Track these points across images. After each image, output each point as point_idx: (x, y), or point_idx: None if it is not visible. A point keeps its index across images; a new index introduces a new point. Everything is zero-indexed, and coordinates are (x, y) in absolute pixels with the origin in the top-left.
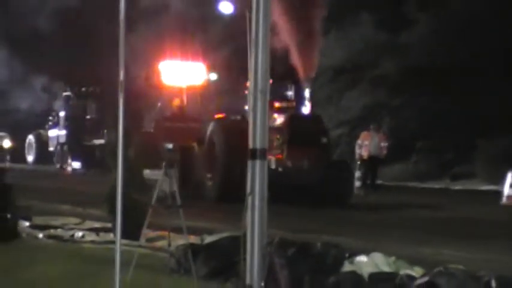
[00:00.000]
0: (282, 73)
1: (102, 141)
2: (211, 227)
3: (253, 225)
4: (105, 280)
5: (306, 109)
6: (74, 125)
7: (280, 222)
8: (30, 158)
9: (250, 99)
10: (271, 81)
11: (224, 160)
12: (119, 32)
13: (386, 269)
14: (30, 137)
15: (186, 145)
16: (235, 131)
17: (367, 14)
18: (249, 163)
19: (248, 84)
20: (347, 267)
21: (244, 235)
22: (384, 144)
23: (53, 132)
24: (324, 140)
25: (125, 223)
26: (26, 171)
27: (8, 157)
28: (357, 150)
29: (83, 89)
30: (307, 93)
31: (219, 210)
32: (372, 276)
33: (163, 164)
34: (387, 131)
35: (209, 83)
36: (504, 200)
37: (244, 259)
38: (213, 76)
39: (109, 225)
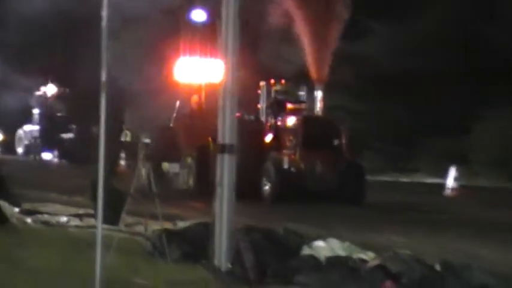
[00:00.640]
0: (295, 75)
1: (70, 135)
2: (185, 214)
3: (222, 213)
4: (87, 261)
5: (318, 111)
6: (46, 121)
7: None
8: (20, 150)
9: (220, 100)
10: (283, 81)
11: (238, 159)
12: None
13: (341, 253)
14: (20, 131)
15: (202, 143)
16: (249, 130)
17: None
18: (218, 157)
19: (261, 83)
20: (306, 251)
21: (214, 222)
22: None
23: (28, 128)
24: (337, 142)
25: (106, 210)
26: (16, 162)
27: None
28: None
29: (55, 89)
30: (319, 95)
31: (192, 200)
32: (329, 259)
33: (139, 157)
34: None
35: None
36: (447, 191)
37: (214, 243)
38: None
39: (92, 211)
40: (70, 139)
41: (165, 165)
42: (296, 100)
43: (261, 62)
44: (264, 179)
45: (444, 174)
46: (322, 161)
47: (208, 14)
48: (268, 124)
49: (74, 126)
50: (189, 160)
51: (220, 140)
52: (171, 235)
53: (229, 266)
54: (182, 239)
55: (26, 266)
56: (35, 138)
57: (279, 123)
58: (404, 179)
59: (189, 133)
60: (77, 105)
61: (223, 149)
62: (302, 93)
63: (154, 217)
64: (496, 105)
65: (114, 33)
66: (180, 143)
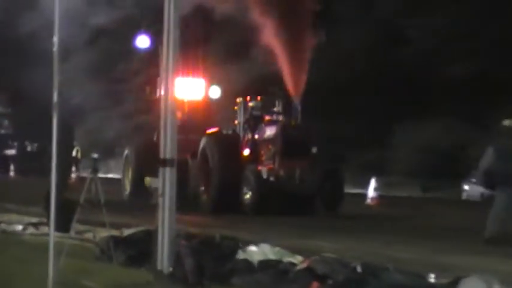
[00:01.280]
0: (272, 89)
1: (13, 151)
2: (130, 222)
3: (164, 221)
4: (41, 265)
5: (296, 121)
6: None
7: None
8: None
9: (162, 117)
10: (259, 98)
11: (217, 173)
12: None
13: (272, 257)
14: None
15: (180, 158)
16: (227, 144)
17: None
18: (160, 170)
19: (238, 100)
20: (241, 255)
21: (157, 229)
22: None
23: None
24: (314, 149)
25: (58, 218)
26: None
27: None
28: None
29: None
30: (297, 106)
31: (137, 209)
32: (261, 263)
33: (90, 170)
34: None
35: (208, 99)
36: (368, 200)
37: (156, 248)
38: (214, 91)
39: (45, 220)
40: (12, 155)
41: (147, 180)
42: (273, 113)
43: (237, 79)
44: (245, 188)
45: (366, 184)
46: (301, 167)
47: (151, 40)
48: (246, 139)
49: (15, 144)
50: None
51: (161, 155)
52: (117, 241)
53: (171, 269)
54: (127, 244)
55: None
56: None
57: (256, 136)
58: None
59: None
60: (20, 124)
61: (165, 162)
62: (278, 108)
63: (102, 225)
64: (407, 119)
65: (64, 56)
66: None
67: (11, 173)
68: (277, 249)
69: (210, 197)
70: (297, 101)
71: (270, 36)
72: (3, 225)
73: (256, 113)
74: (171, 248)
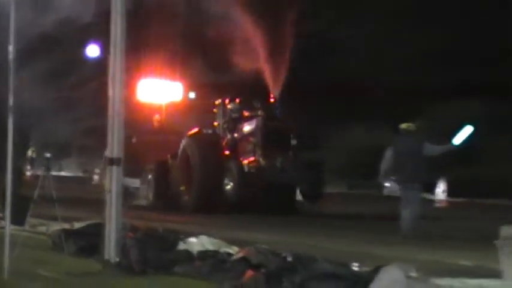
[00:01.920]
0: (251, 88)
1: None
2: (82, 216)
3: (111, 215)
4: None
5: (275, 114)
6: None
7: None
8: None
9: (109, 119)
10: (238, 99)
11: (198, 173)
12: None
13: (210, 247)
14: None
15: (161, 159)
16: (207, 143)
17: None
18: (108, 168)
19: (216, 102)
20: (182, 246)
21: (105, 222)
22: None
23: None
24: (293, 141)
25: (13, 213)
26: None
27: None
28: None
29: None
30: (275, 102)
31: (87, 205)
32: (200, 253)
33: (43, 168)
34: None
35: (187, 101)
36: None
37: (104, 240)
38: (192, 94)
39: (1, 214)
40: None
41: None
42: (252, 109)
43: (217, 80)
44: (226, 179)
45: None
46: (282, 157)
47: (101, 49)
48: (226, 139)
49: None
50: (149, 176)
51: (109, 154)
52: (68, 233)
53: (118, 259)
54: (78, 236)
55: None
56: None
57: (235, 135)
58: None
59: (151, 149)
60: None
61: (111, 162)
62: (257, 104)
63: (55, 219)
64: (337, 123)
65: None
66: (141, 158)
67: None
68: (215, 240)
69: (191, 197)
70: (276, 94)
71: (250, 32)
72: None
73: (235, 115)
74: (117, 240)
